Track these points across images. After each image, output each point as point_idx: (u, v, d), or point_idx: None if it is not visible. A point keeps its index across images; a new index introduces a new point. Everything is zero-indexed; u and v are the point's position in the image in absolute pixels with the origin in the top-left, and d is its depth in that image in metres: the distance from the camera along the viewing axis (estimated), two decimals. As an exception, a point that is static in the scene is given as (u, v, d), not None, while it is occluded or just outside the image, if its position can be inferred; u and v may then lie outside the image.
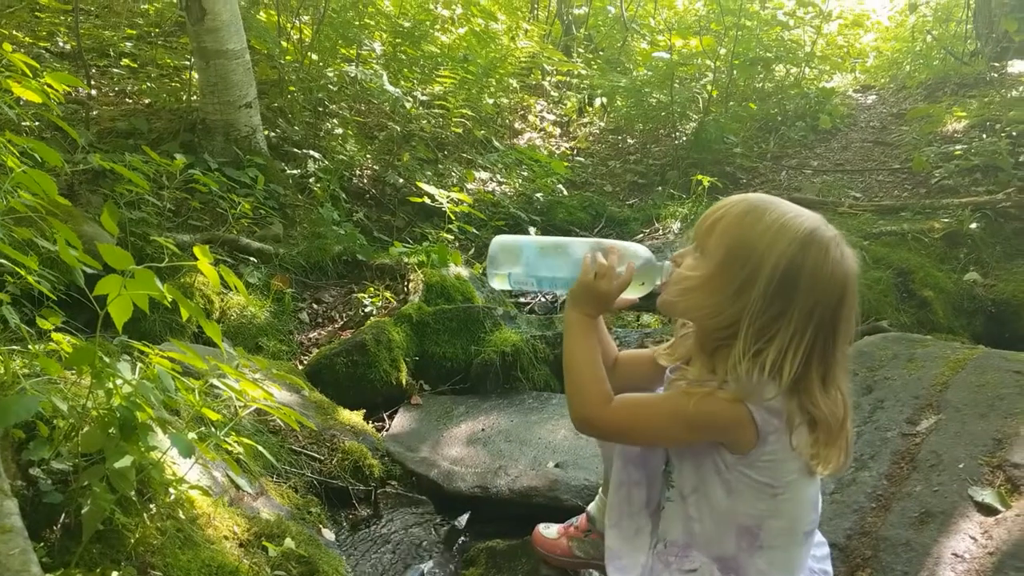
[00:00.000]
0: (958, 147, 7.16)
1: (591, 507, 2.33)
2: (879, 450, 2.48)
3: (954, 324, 5.12)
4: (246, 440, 2.21)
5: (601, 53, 10.18)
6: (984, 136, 7.24)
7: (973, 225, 5.87)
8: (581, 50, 9.90)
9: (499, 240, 1.91)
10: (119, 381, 1.87)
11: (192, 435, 1.99)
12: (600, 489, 2.29)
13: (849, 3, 11.69)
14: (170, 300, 1.84)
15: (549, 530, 2.42)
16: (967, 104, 8.13)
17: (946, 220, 5.97)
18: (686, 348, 1.80)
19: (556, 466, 3.07)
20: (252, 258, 4.40)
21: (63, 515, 1.80)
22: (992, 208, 6.14)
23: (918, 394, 2.66)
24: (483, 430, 3.39)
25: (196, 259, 1.91)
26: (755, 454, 1.61)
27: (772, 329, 1.57)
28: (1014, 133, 7.12)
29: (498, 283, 1.91)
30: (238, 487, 2.41)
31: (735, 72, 8.80)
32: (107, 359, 1.88)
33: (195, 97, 5.53)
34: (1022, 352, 2.92)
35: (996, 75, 9.24)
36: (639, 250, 1.81)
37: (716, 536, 1.72)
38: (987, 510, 2.15)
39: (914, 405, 2.62)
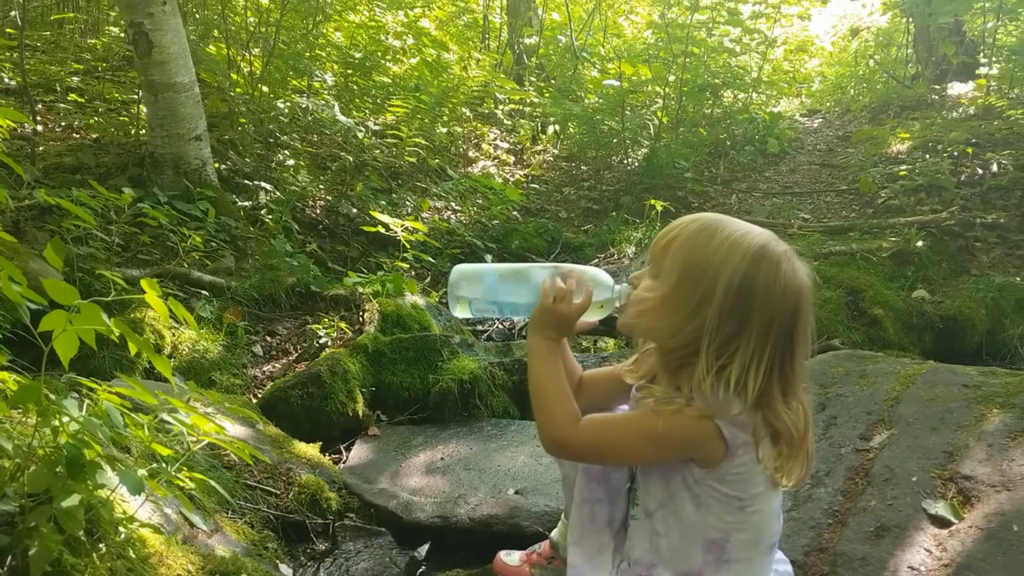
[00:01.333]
0: (902, 168, 7.33)
1: (554, 533, 2.32)
2: (834, 466, 2.51)
3: (904, 340, 5.21)
4: (199, 475, 2.16)
5: (553, 81, 10.28)
6: (927, 156, 7.42)
7: (919, 243, 5.99)
8: (533, 79, 9.99)
9: (459, 268, 1.90)
10: (66, 419, 1.83)
11: (142, 472, 1.94)
12: (563, 514, 2.28)
13: (794, 29, 11.93)
14: (118, 335, 1.81)
15: (511, 557, 2.41)
16: (910, 126, 8.33)
17: (893, 239, 6.10)
18: (649, 366, 1.81)
19: (516, 493, 3.05)
20: (204, 291, 4.34)
21: (9, 557, 1.74)
22: (937, 226, 6.29)
23: (870, 410, 2.70)
24: (442, 459, 3.36)
25: (144, 293, 1.88)
26: (724, 468, 1.62)
27: (732, 345, 1.58)
28: (955, 153, 7.31)
29: (459, 311, 1.90)
30: (191, 524, 2.36)
31: (684, 99, 8.93)
32: (53, 396, 1.84)
33: (144, 131, 5.47)
34: (970, 366, 2.97)
35: (937, 97, 9.50)
36: (597, 274, 1.82)
37: (683, 551, 1.72)
38: (940, 522, 2.18)
39: (867, 421, 2.65)
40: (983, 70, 9.35)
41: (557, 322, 1.78)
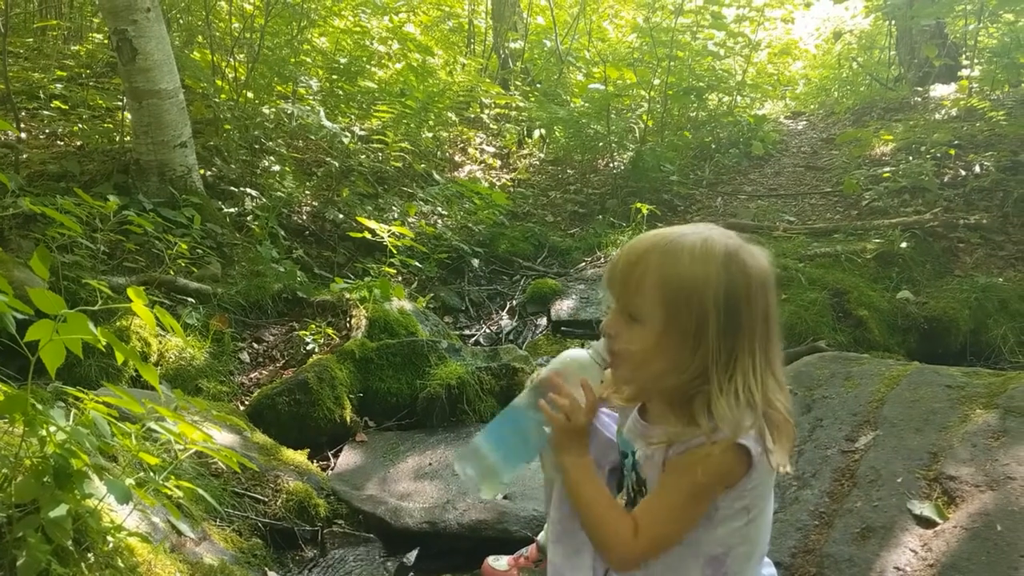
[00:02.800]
0: (886, 170, 7.38)
1: (540, 536, 2.32)
2: (820, 468, 2.52)
3: (889, 342, 5.24)
4: (186, 484, 2.16)
5: (538, 86, 10.29)
6: (910, 158, 7.47)
7: (903, 245, 6.03)
8: (518, 83, 10.00)
9: (460, 462, 1.79)
10: (53, 428, 1.83)
11: (130, 481, 1.94)
12: (546, 523, 2.28)
13: (777, 32, 11.99)
14: (104, 344, 1.80)
15: (499, 562, 2.41)
16: (893, 128, 8.39)
17: (877, 241, 6.14)
18: (636, 388, 1.74)
19: (504, 498, 3.05)
20: (190, 299, 4.33)
21: (-4, 569, 1.74)
22: (921, 228, 6.33)
23: (856, 411, 2.72)
24: (430, 464, 3.37)
25: (131, 301, 1.88)
26: (744, 483, 1.59)
27: (734, 355, 1.56)
28: (938, 155, 7.36)
29: (492, 493, 1.85)
30: (179, 532, 2.36)
31: (669, 102, 8.96)
32: (40, 406, 1.84)
33: (128, 138, 5.45)
34: (953, 367, 3.00)
35: (919, 99, 9.57)
36: (575, 358, 1.74)
37: (680, 568, 1.68)
38: (926, 523, 2.20)
39: (852, 422, 2.67)
40: (965, 72, 9.42)
41: (578, 436, 1.71)
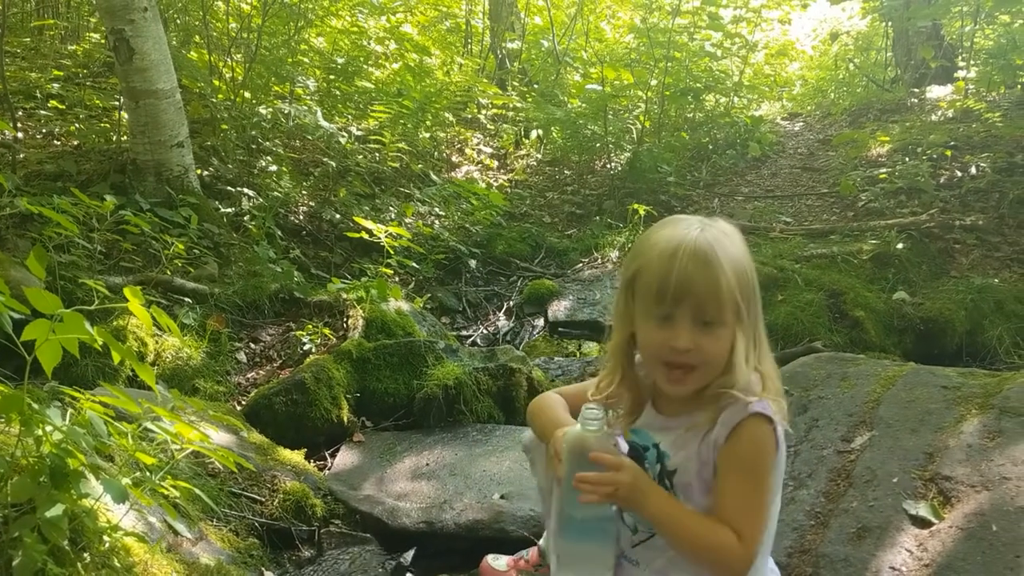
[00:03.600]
0: (882, 171, 7.39)
1: (542, 541, 2.32)
2: (816, 468, 2.53)
3: (885, 342, 5.25)
4: (183, 483, 2.16)
5: (535, 86, 10.29)
6: (907, 159, 7.48)
7: (900, 246, 6.04)
8: (516, 83, 10.00)
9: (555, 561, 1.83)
10: (49, 428, 1.83)
11: (126, 480, 1.94)
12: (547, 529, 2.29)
13: (774, 33, 12.01)
14: (101, 344, 1.80)
15: (498, 562, 2.41)
16: (889, 129, 8.40)
17: (874, 242, 6.15)
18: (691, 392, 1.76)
19: (502, 497, 3.06)
20: (187, 298, 4.33)
21: (-7, 569, 1.74)
22: (917, 229, 6.34)
23: (852, 412, 2.72)
24: (427, 465, 3.37)
25: (127, 301, 1.88)
26: (776, 460, 1.70)
27: (761, 324, 1.73)
28: (934, 156, 7.37)
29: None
30: (176, 532, 2.36)
31: (666, 103, 8.97)
32: (36, 406, 1.84)
33: (125, 138, 5.45)
34: (949, 368, 3.00)
35: (916, 100, 9.58)
36: (573, 443, 1.75)
37: None
38: (921, 523, 2.21)
39: (848, 423, 2.67)
40: (961, 73, 9.44)
41: (638, 482, 1.69)
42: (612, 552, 1.81)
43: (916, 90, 9.86)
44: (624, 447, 1.75)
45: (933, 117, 8.88)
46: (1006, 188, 6.71)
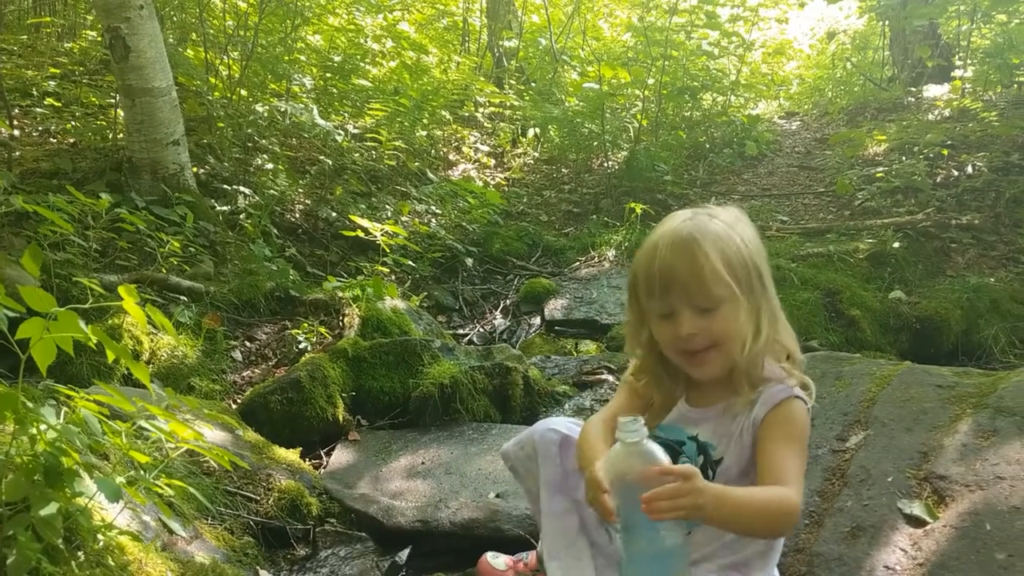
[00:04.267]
0: (879, 170, 7.40)
1: (540, 546, 2.32)
2: (811, 467, 2.53)
3: (881, 341, 5.26)
4: (177, 482, 2.16)
5: (533, 84, 10.29)
6: (903, 159, 7.50)
7: (896, 245, 6.05)
8: (513, 82, 10.00)
9: None
10: (43, 426, 1.82)
11: (121, 479, 1.94)
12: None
13: (772, 32, 12.02)
14: (95, 342, 1.80)
15: (497, 560, 2.41)
16: (886, 128, 8.41)
17: (870, 241, 6.16)
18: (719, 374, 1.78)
19: (497, 496, 3.06)
20: (182, 297, 4.32)
21: (-13, 567, 1.74)
22: (913, 228, 6.35)
23: (847, 411, 2.72)
24: (423, 463, 3.37)
25: (122, 299, 1.87)
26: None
27: (775, 301, 1.77)
28: (931, 155, 7.38)
29: None
30: (170, 531, 2.35)
31: (664, 101, 8.97)
32: (30, 404, 1.84)
33: (121, 136, 5.44)
34: (944, 367, 3.01)
35: (913, 100, 9.59)
36: (626, 429, 1.54)
37: (741, 542, 1.78)
38: (916, 522, 2.21)
39: (843, 422, 2.68)
40: (958, 73, 9.44)
41: (699, 492, 1.50)
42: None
43: (913, 89, 9.87)
44: (661, 453, 1.55)
45: (930, 116, 8.89)
46: (1002, 187, 6.72)
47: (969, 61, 9.92)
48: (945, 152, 7.38)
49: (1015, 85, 8.89)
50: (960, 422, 2.48)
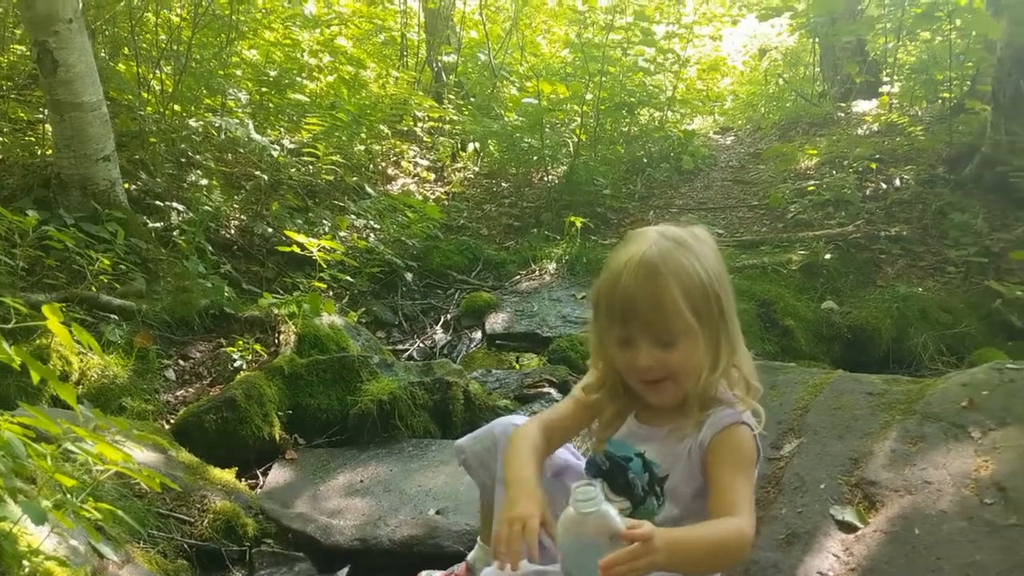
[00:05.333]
0: (811, 183, 7.56)
1: (471, 556, 2.31)
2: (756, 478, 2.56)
3: (815, 350, 5.36)
4: (106, 505, 2.10)
5: (472, 99, 10.31)
6: (834, 172, 7.68)
7: (827, 256, 6.18)
8: (452, 96, 10.01)
9: None
10: (-37, 451, 1.77)
11: (47, 503, 1.88)
12: (479, 536, 2.28)
13: (706, 49, 12.23)
14: (19, 363, 1.75)
15: (431, 578, 2.40)
16: (817, 143, 8.61)
17: (803, 252, 6.28)
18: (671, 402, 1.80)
19: (437, 513, 3.04)
20: (113, 315, 4.22)
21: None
22: (844, 240, 6.50)
23: (781, 419, 2.76)
24: (361, 481, 3.33)
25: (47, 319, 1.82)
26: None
27: (735, 327, 1.78)
28: (860, 169, 7.57)
29: None
30: (100, 555, 2.29)
31: (602, 117, 9.06)
32: (-51, 428, 1.78)
33: (50, 151, 5.31)
34: (875, 375, 3.07)
35: (842, 115, 9.83)
36: (581, 498, 1.53)
37: None
38: (847, 527, 2.25)
39: (777, 430, 2.71)
40: (885, 88, 9.72)
41: (654, 549, 1.49)
42: None
43: (842, 104, 10.12)
44: (617, 519, 1.53)
45: (859, 131, 9.12)
46: (929, 200, 6.91)
47: (896, 77, 10.22)
48: (873, 166, 7.58)
49: (939, 100, 9.16)
50: (890, 429, 2.54)
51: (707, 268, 1.69)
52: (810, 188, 7.43)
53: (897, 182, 7.34)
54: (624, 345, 1.71)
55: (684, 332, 1.67)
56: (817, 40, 11.26)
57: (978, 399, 2.50)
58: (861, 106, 9.91)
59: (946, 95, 8.86)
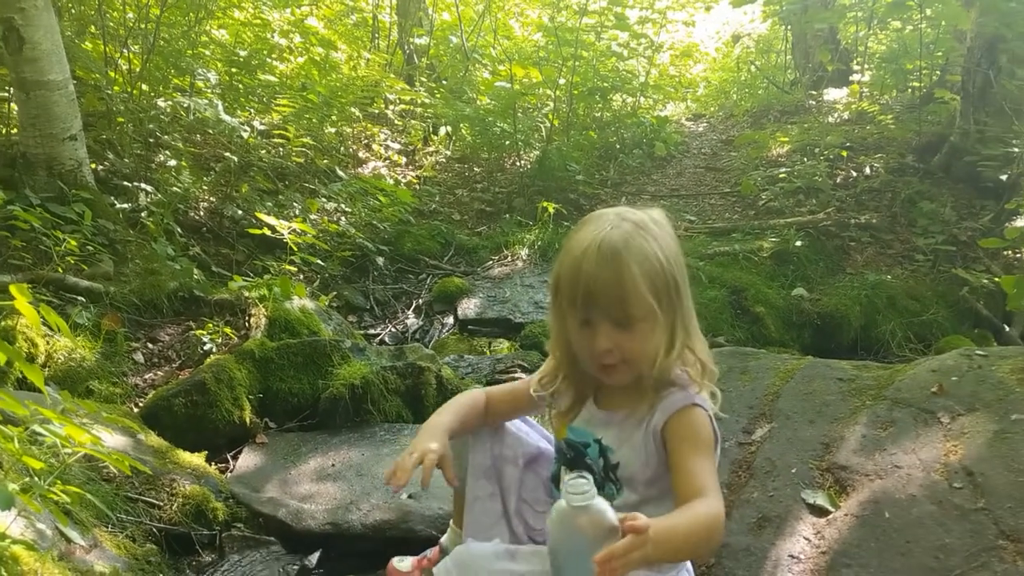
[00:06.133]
0: (782, 171, 7.60)
1: (444, 539, 2.31)
2: (719, 460, 2.57)
3: (785, 337, 5.41)
4: (74, 488, 2.07)
5: (444, 82, 10.25)
6: (805, 160, 7.72)
7: (798, 243, 6.23)
8: (424, 79, 9.94)
9: None
10: (-74, 434, 1.73)
11: (14, 486, 1.85)
12: (451, 521, 2.28)
13: (679, 35, 12.23)
14: (-16, 344, 1.72)
15: (403, 563, 2.38)
16: (789, 130, 8.65)
17: (774, 240, 6.32)
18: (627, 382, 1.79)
19: (409, 497, 3.03)
20: (80, 297, 4.16)
21: None
22: (814, 227, 6.55)
23: (752, 404, 2.78)
24: (333, 465, 3.31)
25: (14, 299, 1.79)
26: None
27: (690, 311, 1.76)
28: (831, 156, 7.62)
29: None
30: (68, 539, 2.26)
31: (575, 102, 9.04)
32: (-88, 410, 1.74)
33: (15, 130, 5.21)
34: (845, 361, 3.10)
35: (814, 103, 9.90)
36: (573, 490, 1.49)
37: None
38: (819, 511, 2.27)
39: (749, 415, 2.73)
40: (856, 77, 9.79)
41: (648, 541, 1.45)
42: None
43: (814, 92, 10.18)
44: (611, 512, 1.50)
45: (830, 119, 9.18)
46: (898, 188, 6.98)
47: (866, 66, 10.29)
48: (844, 154, 7.64)
49: (909, 89, 9.25)
50: (860, 414, 2.56)
51: (666, 252, 1.70)
52: (781, 176, 7.47)
53: (867, 170, 7.40)
54: (584, 327, 1.71)
55: (644, 316, 1.68)
56: (789, 28, 11.31)
57: (947, 385, 2.53)
58: (832, 94, 9.98)
59: (916, 84, 8.95)
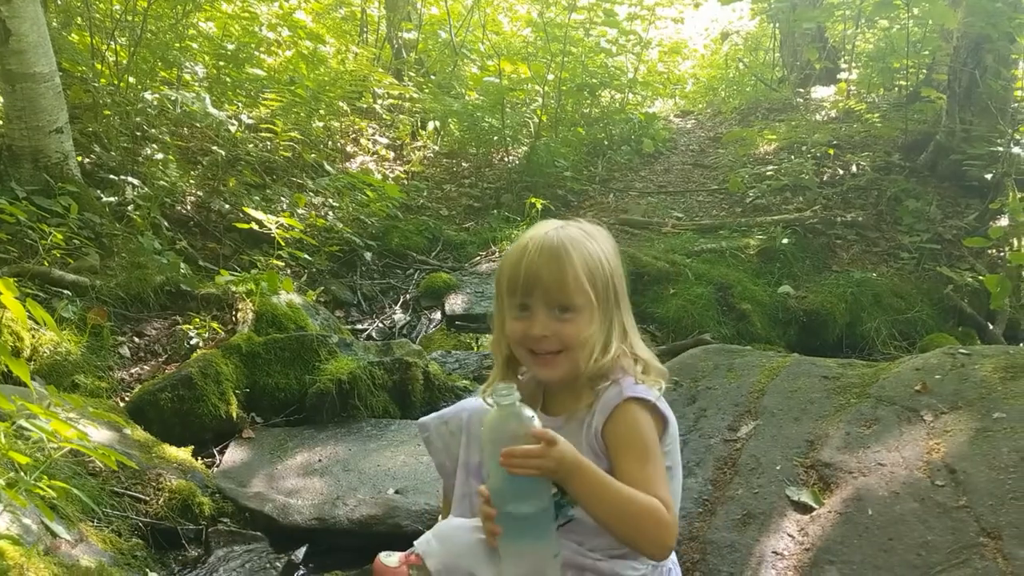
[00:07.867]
0: (769, 168, 7.63)
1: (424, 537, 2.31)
2: (704, 457, 2.59)
3: (771, 334, 5.43)
4: (60, 483, 2.07)
5: (432, 77, 10.23)
6: (792, 157, 7.75)
7: (784, 241, 6.25)
8: (412, 74, 9.92)
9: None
10: (-89, 428, 1.72)
11: (-1, 482, 1.85)
12: (440, 516, 2.28)
13: (668, 32, 12.23)
14: (-31, 338, 1.71)
15: (391, 558, 2.38)
16: (776, 128, 8.68)
17: (760, 237, 6.35)
18: (562, 380, 1.78)
19: (396, 492, 3.04)
20: (66, 291, 4.14)
21: None
22: (801, 225, 6.58)
23: (738, 401, 2.80)
24: (320, 461, 3.32)
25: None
26: (664, 439, 1.71)
27: (628, 313, 1.77)
28: (818, 154, 7.65)
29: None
30: (54, 534, 2.26)
31: (563, 98, 9.05)
32: None
33: (1, 123, 5.18)
34: (830, 358, 3.12)
35: (801, 100, 9.93)
36: (501, 392, 1.60)
37: None
38: (803, 508, 2.29)
39: (734, 412, 2.75)
40: (843, 75, 9.83)
41: (568, 450, 1.56)
42: (553, 547, 1.66)
43: (802, 90, 10.22)
44: (531, 418, 1.61)
45: (817, 117, 9.22)
46: (884, 186, 7.02)
47: (854, 64, 10.33)
48: (831, 151, 7.67)
49: (896, 88, 9.29)
50: (844, 411, 2.58)
51: (608, 257, 1.75)
52: (769, 173, 7.50)
53: (854, 168, 7.44)
54: (522, 314, 1.73)
55: (581, 305, 1.70)
56: (777, 25, 11.34)
57: (931, 383, 2.55)
58: (820, 92, 10.01)
59: (903, 83, 8.99)
